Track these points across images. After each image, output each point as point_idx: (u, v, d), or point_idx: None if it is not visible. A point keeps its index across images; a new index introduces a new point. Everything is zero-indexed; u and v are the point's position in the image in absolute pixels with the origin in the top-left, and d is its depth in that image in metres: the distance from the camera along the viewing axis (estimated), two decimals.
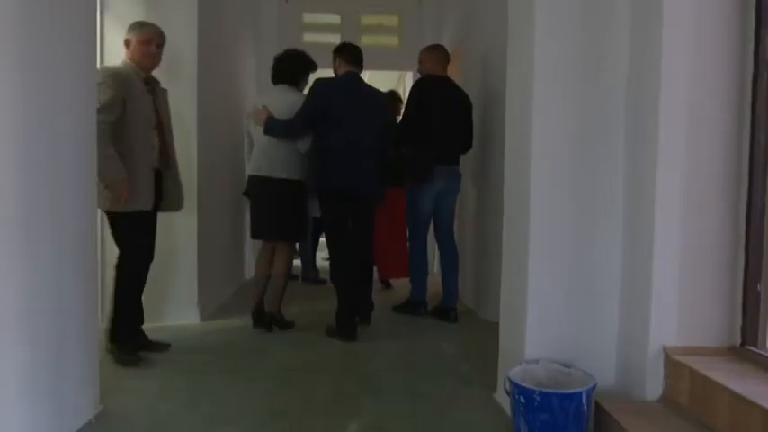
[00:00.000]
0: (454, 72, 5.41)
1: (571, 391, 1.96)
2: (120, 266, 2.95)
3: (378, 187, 3.62)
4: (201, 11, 3.73)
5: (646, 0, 2.09)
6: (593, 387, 1.98)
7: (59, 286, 2.01)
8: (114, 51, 3.51)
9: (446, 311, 3.90)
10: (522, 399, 1.98)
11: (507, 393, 2.07)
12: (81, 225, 2.16)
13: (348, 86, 3.53)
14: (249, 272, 5.73)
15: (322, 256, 6.15)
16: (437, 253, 4.13)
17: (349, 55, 3.62)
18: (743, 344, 1.98)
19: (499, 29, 2.71)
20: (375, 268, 4.20)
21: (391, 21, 6.62)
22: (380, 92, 3.73)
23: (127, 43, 3.01)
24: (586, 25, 2.18)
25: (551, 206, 2.21)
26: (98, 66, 2.72)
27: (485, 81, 4.19)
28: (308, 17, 6.59)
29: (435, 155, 3.78)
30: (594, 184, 2.21)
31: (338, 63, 3.67)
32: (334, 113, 3.39)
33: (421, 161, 3.76)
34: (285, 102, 3.52)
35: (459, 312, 4.04)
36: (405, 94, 8.32)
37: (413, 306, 4.02)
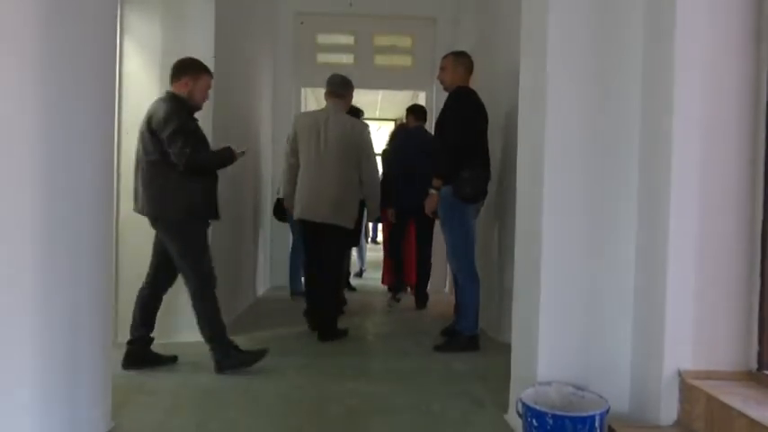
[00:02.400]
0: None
1: (584, 414, 1.94)
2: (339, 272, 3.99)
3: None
4: (219, 32, 3.80)
5: (659, 11, 2.10)
6: (607, 411, 1.96)
7: (75, 301, 2.03)
8: (133, 72, 3.60)
9: (473, 339, 3.71)
10: (535, 422, 1.96)
11: (519, 416, 2.05)
12: (97, 239, 2.19)
13: (415, 135, 5.06)
14: (261, 288, 5.76)
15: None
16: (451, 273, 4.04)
17: (416, 113, 5.19)
18: (759, 368, 1.95)
19: (516, 50, 2.72)
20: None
21: (405, 41, 6.69)
22: (430, 133, 4.86)
23: None
24: (600, 35, 2.19)
25: (564, 227, 2.20)
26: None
27: (501, 101, 4.21)
28: (323, 38, 6.67)
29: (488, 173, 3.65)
30: (608, 204, 2.21)
31: (409, 119, 5.20)
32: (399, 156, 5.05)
33: (481, 180, 3.57)
34: None
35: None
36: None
37: (466, 341, 3.62)
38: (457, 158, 3.50)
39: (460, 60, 3.78)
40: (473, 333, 3.66)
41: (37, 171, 1.81)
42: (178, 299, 3.62)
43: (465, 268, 3.71)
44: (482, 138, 3.65)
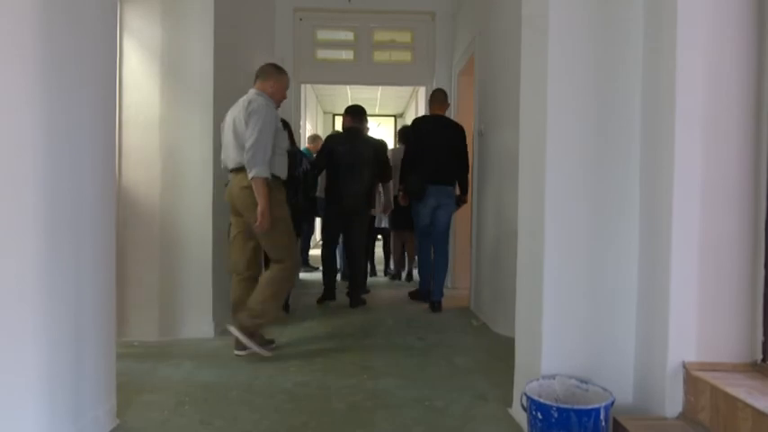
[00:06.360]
0: (467, 86, 5.44)
1: (589, 407, 1.93)
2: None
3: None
4: (218, 29, 3.79)
5: (661, 7, 2.09)
6: (612, 403, 1.96)
7: (78, 300, 2.03)
8: (132, 70, 3.60)
9: (432, 303, 4.80)
10: (540, 415, 1.96)
11: (524, 409, 2.05)
12: (100, 238, 2.19)
13: None
14: None
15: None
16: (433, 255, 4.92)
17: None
18: (764, 359, 1.95)
19: (514, 43, 2.72)
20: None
21: (404, 37, 6.66)
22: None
23: None
24: (601, 31, 2.18)
25: (567, 220, 2.20)
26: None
27: (498, 96, 4.20)
28: (322, 34, 6.65)
29: (426, 178, 4.70)
30: (610, 197, 2.20)
31: None
32: None
33: (416, 183, 4.73)
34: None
35: (474, 327, 4.16)
36: (417, 109, 8.34)
37: (422, 294, 5.10)
38: (404, 168, 4.88)
39: (431, 98, 5.02)
40: (422, 289, 5.09)
41: (39, 171, 1.81)
42: (181, 296, 3.64)
43: (418, 248, 5.09)
44: (422, 153, 4.71)
